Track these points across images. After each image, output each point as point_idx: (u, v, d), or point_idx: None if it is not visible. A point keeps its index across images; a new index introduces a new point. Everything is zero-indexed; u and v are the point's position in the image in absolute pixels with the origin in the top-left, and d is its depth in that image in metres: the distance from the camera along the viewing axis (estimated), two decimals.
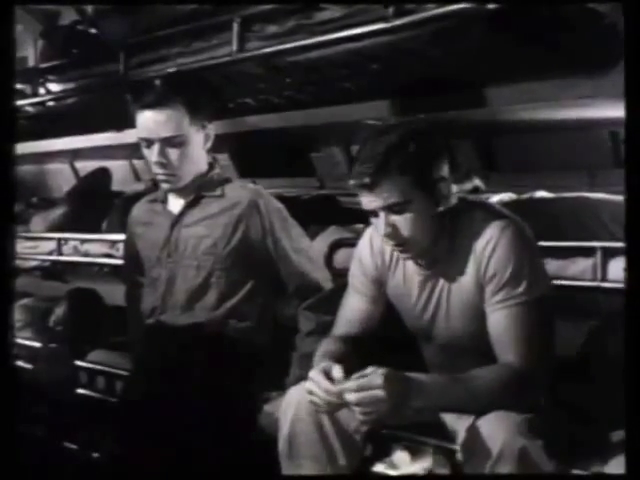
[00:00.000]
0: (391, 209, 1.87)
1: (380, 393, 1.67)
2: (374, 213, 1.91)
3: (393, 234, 1.89)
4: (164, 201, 2.59)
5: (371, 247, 2.13)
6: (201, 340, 2.45)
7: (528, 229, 1.93)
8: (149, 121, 2.39)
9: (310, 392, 1.80)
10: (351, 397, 1.70)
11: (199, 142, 2.47)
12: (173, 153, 2.41)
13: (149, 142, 2.41)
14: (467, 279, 1.94)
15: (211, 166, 2.56)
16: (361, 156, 1.89)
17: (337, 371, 1.77)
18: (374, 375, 1.69)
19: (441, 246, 1.96)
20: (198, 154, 2.48)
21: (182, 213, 2.53)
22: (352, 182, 1.89)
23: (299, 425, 1.94)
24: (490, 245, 1.87)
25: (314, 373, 1.80)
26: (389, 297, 2.14)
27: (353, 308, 2.14)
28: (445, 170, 1.91)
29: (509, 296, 1.86)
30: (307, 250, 2.53)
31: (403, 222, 1.88)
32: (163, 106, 2.37)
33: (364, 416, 1.78)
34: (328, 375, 1.78)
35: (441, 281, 2.00)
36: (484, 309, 1.91)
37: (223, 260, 2.47)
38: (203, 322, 2.48)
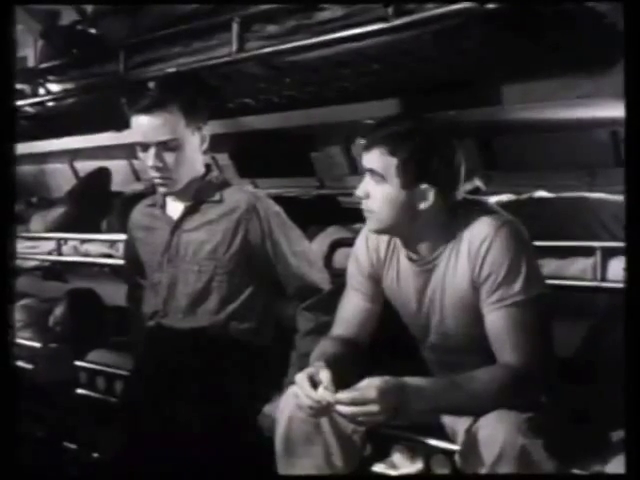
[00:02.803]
0: (371, 174, 1.92)
1: (374, 408, 1.67)
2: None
3: (364, 198, 1.96)
4: (163, 206, 2.58)
5: (367, 245, 2.14)
6: (203, 343, 2.45)
7: (523, 229, 1.93)
8: (144, 125, 2.37)
9: (295, 395, 1.81)
10: (344, 410, 1.71)
11: (195, 144, 2.46)
12: (169, 157, 2.40)
13: (145, 146, 2.40)
14: (461, 278, 1.94)
15: (208, 168, 2.55)
16: (378, 123, 1.98)
17: (324, 376, 1.77)
18: (368, 389, 1.69)
19: (434, 242, 1.97)
20: (194, 157, 2.47)
21: (182, 218, 2.52)
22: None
23: (295, 424, 1.95)
24: (485, 245, 1.87)
25: (299, 377, 1.81)
26: (386, 294, 2.14)
27: (351, 307, 2.14)
28: (440, 178, 1.91)
29: (505, 296, 1.86)
30: (306, 252, 2.53)
31: (377, 192, 1.92)
32: (158, 110, 2.35)
33: (356, 424, 1.81)
34: (312, 379, 1.78)
35: (435, 278, 1.99)
36: (480, 309, 1.91)
37: (224, 265, 2.46)
38: (205, 326, 2.48)
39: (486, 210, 1.97)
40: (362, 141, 1.95)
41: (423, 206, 1.91)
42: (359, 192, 1.96)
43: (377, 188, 1.92)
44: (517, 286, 1.85)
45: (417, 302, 2.04)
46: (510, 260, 1.85)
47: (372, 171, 1.92)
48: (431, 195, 1.90)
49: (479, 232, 1.90)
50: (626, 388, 1.49)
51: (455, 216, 1.96)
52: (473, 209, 1.97)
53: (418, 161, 1.88)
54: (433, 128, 1.97)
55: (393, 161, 1.88)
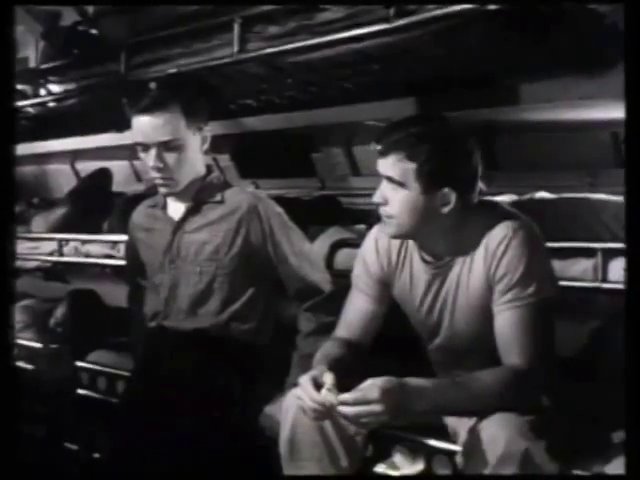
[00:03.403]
0: (390, 180, 1.90)
1: (377, 408, 1.67)
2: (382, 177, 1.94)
3: (382, 203, 1.93)
4: (164, 207, 2.58)
5: (376, 248, 2.13)
6: (204, 344, 2.45)
7: (538, 230, 1.93)
8: (145, 126, 2.37)
9: (298, 397, 1.81)
10: (347, 410, 1.70)
11: (196, 145, 2.46)
12: (170, 157, 2.40)
13: (145, 147, 2.40)
14: (476, 278, 1.94)
15: (209, 169, 2.55)
16: (392, 125, 1.94)
17: (328, 378, 1.76)
18: (371, 389, 1.68)
19: (448, 243, 1.97)
20: (195, 157, 2.47)
21: (183, 219, 2.52)
22: (373, 142, 1.94)
23: (300, 427, 1.94)
24: (502, 245, 1.88)
25: (303, 379, 1.81)
26: (395, 298, 2.14)
27: (356, 309, 2.14)
28: (459, 179, 1.91)
29: (518, 297, 1.86)
30: (307, 253, 2.53)
31: (395, 199, 1.90)
32: (159, 110, 2.35)
33: (360, 427, 1.80)
34: (316, 382, 1.78)
35: (449, 280, 2.00)
36: (491, 309, 1.91)
37: (225, 266, 2.46)
38: (206, 327, 2.48)
39: (502, 212, 1.97)
40: (377, 147, 1.92)
41: (446, 210, 1.90)
42: (377, 198, 1.93)
43: (396, 193, 1.90)
44: (531, 288, 1.85)
45: (430, 303, 2.05)
46: (526, 262, 1.86)
47: (390, 178, 1.89)
48: (453, 198, 1.89)
49: (497, 233, 1.90)
50: (626, 388, 1.49)
51: (470, 217, 1.95)
52: (489, 210, 1.97)
53: (437, 164, 1.87)
54: (449, 128, 1.95)
55: (411, 166, 1.86)
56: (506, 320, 1.87)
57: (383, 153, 1.90)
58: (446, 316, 2.03)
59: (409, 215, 1.91)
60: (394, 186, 1.90)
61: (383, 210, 1.95)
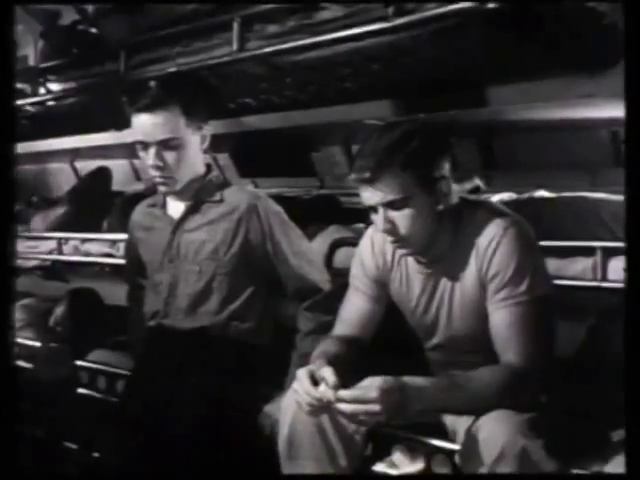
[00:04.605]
0: (390, 205, 1.87)
1: (375, 408, 1.67)
2: (373, 209, 1.91)
3: (391, 230, 1.90)
4: (164, 206, 2.58)
5: (372, 247, 2.14)
6: (204, 343, 2.45)
7: (530, 228, 1.93)
8: (145, 124, 2.37)
9: (295, 391, 1.81)
10: (344, 407, 1.70)
11: (196, 144, 2.46)
12: (169, 156, 2.40)
13: (145, 145, 2.40)
14: (469, 277, 1.94)
15: (209, 168, 2.56)
16: (363, 150, 1.90)
17: (327, 373, 1.76)
18: (370, 389, 1.68)
19: (443, 244, 1.97)
20: (195, 156, 2.48)
21: (183, 218, 2.52)
22: (353, 176, 1.90)
23: (299, 426, 1.94)
24: (493, 244, 1.88)
25: (301, 372, 1.81)
26: (392, 297, 2.14)
27: (354, 308, 2.14)
28: (446, 169, 1.91)
29: (510, 295, 1.86)
30: (306, 252, 2.53)
31: (402, 218, 1.88)
32: (159, 108, 2.35)
33: (357, 424, 1.80)
34: (314, 376, 1.78)
35: (443, 279, 2.00)
36: (486, 307, 1.91)
37: (225, 265, 2.46)
38: (206, 326, 2.48)
39: (493, 209, 1.98)
40: (363, 175, 1.85)
41: (447, 201, 1.91)
42: (383, 229, 1.90)
43: (400, 214, 1.88)
44: (523, 286, 1.85)
45: (425, 303, 2.05)
46: (517, 260, 1.86)
47: (392, 202, 1.86)
48: (450, 186, 1.90)
49: (487, 232, 1.90)
50: (626, 388, 1.49)
51: (462, 216, 1.96)
52: (480, 208, 1.98)
53: (427, 159, 1.87)
54: (417, 123, 1.97)
55: (409, 175, 1.85)
56: (501, 319, 1.87)
57: (372, 179, 1.85)
58: (442, 315, 2.03)
59: (421, 228, 1.90)
60: (397, 206, 1.87)
61: (392, 237, 1.92)
